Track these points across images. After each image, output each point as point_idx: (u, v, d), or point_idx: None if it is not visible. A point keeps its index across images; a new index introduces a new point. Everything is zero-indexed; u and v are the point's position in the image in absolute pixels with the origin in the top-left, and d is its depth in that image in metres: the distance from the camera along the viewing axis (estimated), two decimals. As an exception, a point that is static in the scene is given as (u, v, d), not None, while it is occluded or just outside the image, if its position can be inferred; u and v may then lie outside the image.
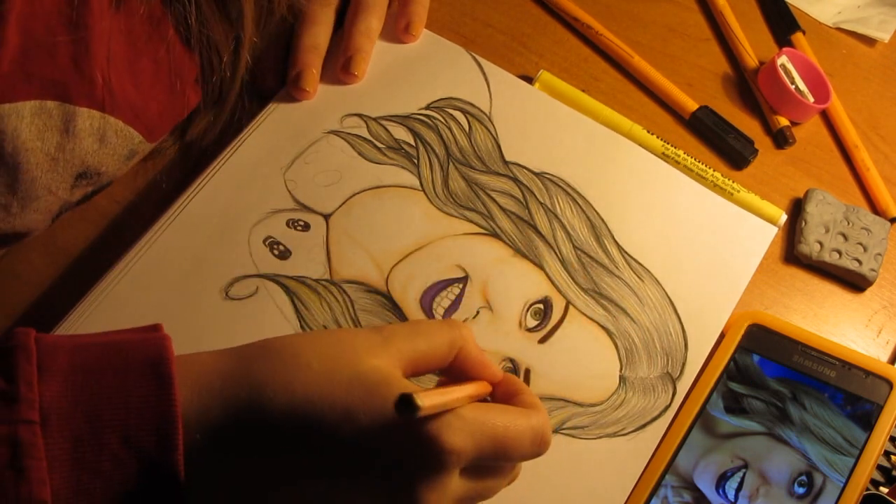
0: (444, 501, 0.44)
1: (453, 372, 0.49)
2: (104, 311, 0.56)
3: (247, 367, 0.44)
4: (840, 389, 0.57)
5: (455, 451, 0.42)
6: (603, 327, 0.59)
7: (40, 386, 0.40)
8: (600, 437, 0.56)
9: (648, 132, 0.68)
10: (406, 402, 0.40)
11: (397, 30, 0.68)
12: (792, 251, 0.66)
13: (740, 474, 0.55)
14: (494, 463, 0.46)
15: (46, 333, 0.42)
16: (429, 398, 0.40)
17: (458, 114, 0.66)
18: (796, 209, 0.68)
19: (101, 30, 0.53)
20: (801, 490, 0.54)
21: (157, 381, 0.41)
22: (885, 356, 0.63)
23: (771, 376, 0.58)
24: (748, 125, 0.71)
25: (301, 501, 0.44)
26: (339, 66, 0.66)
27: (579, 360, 0.58)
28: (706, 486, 0.55)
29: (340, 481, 0.43)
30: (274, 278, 0.58)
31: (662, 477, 0.55)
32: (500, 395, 0.50)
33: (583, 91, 0.69)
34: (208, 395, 0.42)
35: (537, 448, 0.47)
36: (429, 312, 0.59)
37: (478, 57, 0.68)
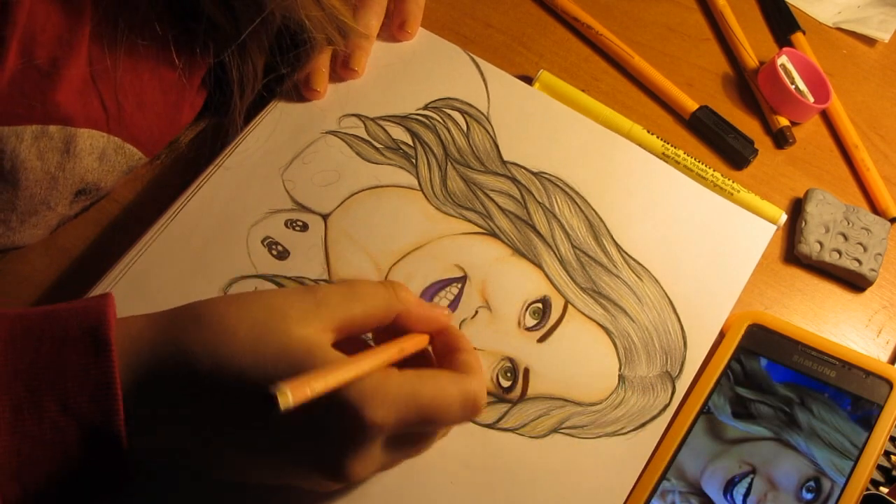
0: (370, 468, 0.45)
1: (394, 330, 0.49)
2: (103, 311, 0.56)
3: (173, 333, 0.44)
4: (840, 389, 0.57)
5: (376, 425, 0.43)
6: (602, 326, 0.59)
7: None
8: (599, 437, 0.56)
9: (648, 132, 0.68)
10: (270, 400, 0.39)
11: (392, 27, 0.68)
12: (792, 251, 0.66)
13: (748, 480, 0.55)
14: (421, 429, 0.47)
15: None
16: (300, 390, 0.39)
17: (455, 114, 0.66)
18: (796, 209, 0.67)
19: (101, 52, 0.53)
20: (809, 496, 0.54)
21: (94, 348, 0.41)
22: (885, 356, 0.63)
23: (778, 381, 0.58)
24: (748, 125, 0.71)
25: (237, 468, 0.45)
26: (339, 61, 0.66)
27: (578, 359, 0.58)
28: (714, 492, 0.54)
29: (269, 450, 0.44)
30: (272, 278, 0.58)
31: (662, 476, 0.55)
32: (439, 348, 0.50)
33: (583, 91, 0.69)
34: (136, 361, 0.43)
35: (468, 413, 0.47)
36: (427, 312, 0.59)
37: (475, 57, 0.68)
